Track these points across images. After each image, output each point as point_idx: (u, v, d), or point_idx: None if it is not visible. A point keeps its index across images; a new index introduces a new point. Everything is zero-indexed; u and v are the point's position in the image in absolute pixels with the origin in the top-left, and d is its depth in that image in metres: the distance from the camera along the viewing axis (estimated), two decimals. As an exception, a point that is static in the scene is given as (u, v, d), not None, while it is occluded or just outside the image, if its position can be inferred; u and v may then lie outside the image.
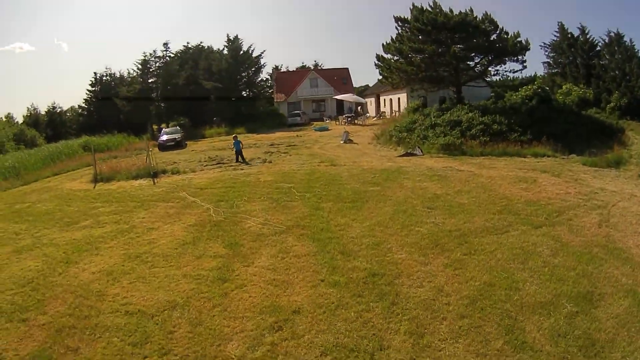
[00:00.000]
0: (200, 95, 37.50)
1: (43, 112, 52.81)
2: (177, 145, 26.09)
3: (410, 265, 5.97)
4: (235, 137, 15.93)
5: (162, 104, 39.96)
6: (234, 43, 39.12)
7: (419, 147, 14.82)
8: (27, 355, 4.77)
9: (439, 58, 19.88)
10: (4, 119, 49.69)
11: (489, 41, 19.66)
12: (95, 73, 45.27)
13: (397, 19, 22.34)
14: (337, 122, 32.55)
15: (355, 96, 34.81)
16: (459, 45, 19.59)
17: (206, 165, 15.78)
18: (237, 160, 15.35)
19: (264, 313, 5.04)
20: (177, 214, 9.64)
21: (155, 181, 13.77)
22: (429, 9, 21.26)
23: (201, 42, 47.47)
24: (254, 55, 40.03)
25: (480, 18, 20.29)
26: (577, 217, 7.48)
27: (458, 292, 5.15)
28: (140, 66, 40.64)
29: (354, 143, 19.26)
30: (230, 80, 37.46)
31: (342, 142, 19.44)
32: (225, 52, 41.07)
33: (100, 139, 33.03)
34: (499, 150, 13.73)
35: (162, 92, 39.89)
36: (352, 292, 5.33)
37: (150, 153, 16.19)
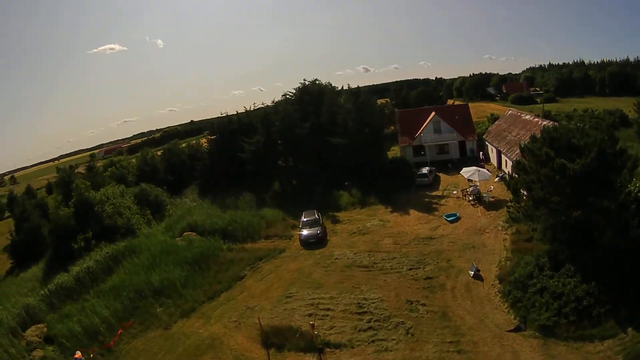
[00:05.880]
0: (326, 150, 39.75)
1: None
2: (318, 241, 28.17)
3: None
4: None
5: (288, 158, 41.92)
6: (357, 97, 40.62)
7: (524, 321, 17.82)
8: None
9: (562, 212, 21.03)
10: (117, 171, 50.44)
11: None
12: (212, 124, 48.45)
13: (524, 148, 23.35)
14: (465, 197, 33.57)
15: (480, 171, 33.89)
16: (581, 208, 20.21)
17: (359, 330, 18.11)
18: None
19: None
20: None
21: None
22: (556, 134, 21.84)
23: (316, 80, 46.65)
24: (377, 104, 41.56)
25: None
26: None
27: None
28: (262, 119, 42.45)
29: (480, 281, 21.48)
30: (357, 135, 38.50)
31: (471, 274, 22.17)
32: (345, 98, 42.91)
33: (239, 218, 32.28)
34: (577, 335, 15.87)
35: (285, 144, 41.23)
36: None
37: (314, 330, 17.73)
